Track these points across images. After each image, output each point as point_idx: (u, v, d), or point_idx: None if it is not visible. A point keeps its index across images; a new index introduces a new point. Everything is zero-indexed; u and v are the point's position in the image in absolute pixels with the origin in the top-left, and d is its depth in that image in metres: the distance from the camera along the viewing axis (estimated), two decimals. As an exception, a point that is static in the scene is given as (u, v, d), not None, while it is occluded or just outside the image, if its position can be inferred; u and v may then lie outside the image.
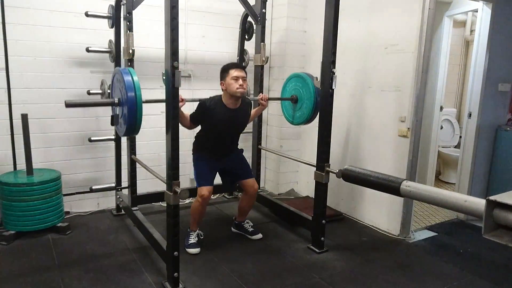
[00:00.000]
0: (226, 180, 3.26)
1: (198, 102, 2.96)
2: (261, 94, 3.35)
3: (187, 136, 3.68)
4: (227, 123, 2.97)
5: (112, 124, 2.67)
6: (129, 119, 2.33)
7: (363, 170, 2.40)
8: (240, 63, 3.05)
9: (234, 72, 2.87)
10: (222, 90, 2.95)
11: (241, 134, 3.23)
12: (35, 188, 3.04)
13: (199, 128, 3.07)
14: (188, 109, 3.03)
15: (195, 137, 3.13)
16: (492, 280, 2.72)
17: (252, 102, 3.32)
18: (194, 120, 2.96)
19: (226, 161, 3.12)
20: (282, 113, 3.58)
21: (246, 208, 3.28)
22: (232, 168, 3.16)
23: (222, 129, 2.98)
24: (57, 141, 3.47)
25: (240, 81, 2.86)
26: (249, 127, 3.92)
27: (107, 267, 2.72)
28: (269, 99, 3.31)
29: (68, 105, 2.34)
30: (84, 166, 3.63)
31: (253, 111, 3.30)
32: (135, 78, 2.33)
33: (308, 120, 3.29)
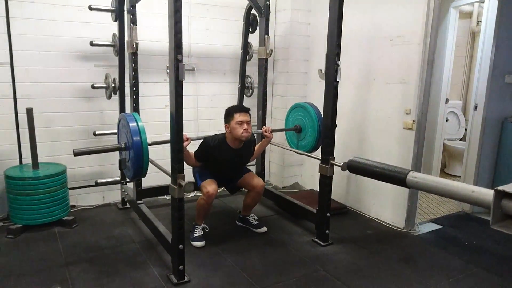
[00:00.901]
0: (228, 187, 3.32)
1: (202, 140, 3.01)
2: (264, 126, 3.41)
3: (191, 130, 3.69)
4: (230, 161, 3.05)
5: (120, 168, 2.72)
6: (136, 163, 2.40)
7: (368, 161, 2.40)
8: (244, 106, 3.10)
9: (238, 117, 2.92)
10: (226, 131, 3.01)
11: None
12: (41, 182, 3.06)
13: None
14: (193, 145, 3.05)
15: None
16: (498, 272, 2.71)
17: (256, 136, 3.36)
18: (198, 158, 3.03)
19: (229, 183, 3.24)
20: (286, 106, 3.58)
21: (251, 204, 3.29)
22: (233, 178, 3.23)
23: (224, 166, 3.06)
24: (62, 135, 3.49)
25: (245, 126, 2.92)
26: (254, 121, 3.91)
27: (113, 260, 2.74)
28: (273, 130, 3.32)
29: (77, 154, 2.41)
30: (89, 160, 3.64)
31: (258, 145, 3.35)
32: (140, 123, 2.41)
33: (313, 148, 3.31)
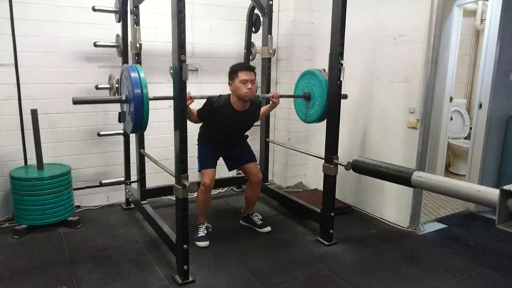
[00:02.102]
0: (231, 165, 3.29)
1: (206, 99, 2.93)
2: (272, 91, 3.30)
3: (195, 130, 3.68)
4: (233, 125, 2.97)
5: (119, 121, 2.68)
6: (136, 116, 2.34)
7: (373, 161, 2.39)
8: (249, 63, 2.97)
9: (243, 75, 2.80)
10: (231, 90, 2.92)
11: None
12: (45, 182, 3.07)
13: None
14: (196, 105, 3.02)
15: (200, 127, 3.14)
16: (503, 272, 2.70)
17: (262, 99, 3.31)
18: (201, 117, 2.95)
19: (231, 150, 3.16)
20: (289, 106, 3.56)
21: (252, 198, 3.29)
22: (236, 153, 3.19)
23: (228, 129, 2.99)
24: (66, 136, 3.50)
25: (249, 85, 2.80)
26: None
27: (117, 260, 2.75)
28: (281, 96, 3.25)
29: (76, 102, 2.36)
30: (94, 161, 3.66)
31: (263, 108, 3.28)
32: (142, 75, 2.32)
33: (321, 117, 3.22)
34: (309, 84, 3.32)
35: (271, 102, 3.23)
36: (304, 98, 3.36)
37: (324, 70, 2.99)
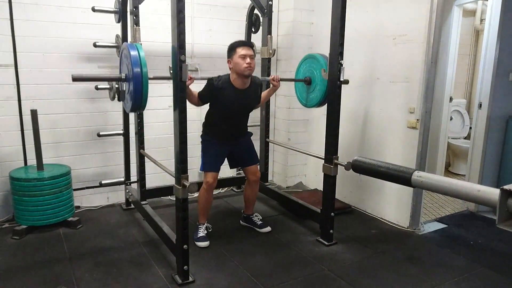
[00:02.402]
0: (233, 163, 3.27)
1: (207, 81, 2.91)
2: (273, 74, 3.28)
3: (195, 130, 3.68)
4: (236, 104, 2.92)
5: (119, 99, 2.66)
6: (135, 95, 2.32)
7: (373, 161, 2.38)
8: (248, 41, 2.94)
9: (241, 50, 2.79)
10: (230, 68, 2.90)
11: (249, 127, 3.22)
12: (45, 183, 3.07)
13: (207, 108, 3.05)
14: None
15: (205, 117, 3.10)
16: (503, 272, 2.70)
17: (263, 83, 3.27)
18: (201, 98, 2.92)
19: (234, 144, 3.10)
20: (289, 106, 3.56)
21: (251, 197, 3.29)
22: (240, 153, 3.16)
23: (230, 110, 2.94)
24: (66, 136, 3.50)
25: (248, 60, 2.79)
26: (257, 120, 3.92)
27: (117, 260, 2.75)
28: (282, 79, 3.23)
29: (75, 79, 2.35)
30: (94, 161, 3.65)
31: (264, 92, 3.26)
32: (142, 53, 2.31)
33: (321, 102, 3.20)
34: (310, 68, 3.29)
35: (271, 85, 3.21)
36: (304, 82, 3.34)
37: (324, 70, 2.99)
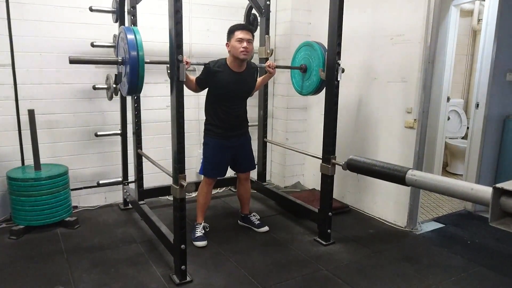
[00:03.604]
0: (232, 166, 3.25)
1: (203, 65, 2.91)
2: (269, 61, 3.28)
3: (193, 130, 3.69)
4: (233, 87, 2.92)
5: (115, 83, 2.67)
6: (131, 78, 2.34)
7: (368, 160, 2.39)
8: (248, 25, 2.95)
9: (239, 34, 2.82)
10: (228, 52, 2.91)
11: (248, 127, 3.22)
12: (43, 183, 3.07)
13: (205, 108, 3.06)
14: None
15: (205, 107, 3.06)
16: (500, 271, 2.71)
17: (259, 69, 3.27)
18: (199, 83, 2.92)
19: (236, 144, 3.07)
20: (287, 106, 3.56)
21: (244, 195, 3.30)
22: (240, 159, 3.16)
23: (227, 93, 2.94)
24: (63, 136, 3.50)
25: (245, 44, 2.81)
26: (255, 120, 3.92)
27: (115, 260, 2.75)
28: (277, 67, 3.25)
29: (72, 61, 2.36)
30: (91, 161, 3.65)
31: (260, 78, 3.26)
32: (138, 37, 2.32)
33: (317, 90, 3.20)
34: (305, 56, 3.29)
35: (267, 72, 3.20)
36: (300, 70, 3.33)
37: (322, 70, 3.00)
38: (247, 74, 2.99)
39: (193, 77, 2.90)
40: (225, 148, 3.03)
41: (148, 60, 2.41)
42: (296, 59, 3.42)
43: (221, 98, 2.95)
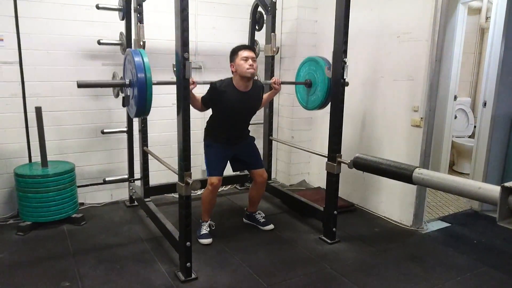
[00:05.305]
0: (236, 166, 3.26)
1: (209, 85, 2.93)
2: (274, 77, 3.30)
3: (198, 127, 3.69)
4: (239, 107, 2.95)
5: (123, 105, 2.68)
6: (139, 100, 2.33)
7: (374, 158, 2.38)
8: (250, 45, 3.00)
9: (244, 53, 2.84)
10: (232, 72, 2.93)
11: (252, 125, 3.22)
12: (50, 180, 3.09)
13: (210, 112, 3.06)
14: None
15: (207, 122, 3.11)
16: (507, 271, 2.69)
17: (264, 86, 3.28)
18: (205, 103, 2.94)
19: (237, 148, 3.11)
20: (293, 104, 3.56)
21: (256, 198, 3.29)
22: (243, 156, 3.17)
23: (233, 113, 2.96)
24: (70, 133, 3.52)
25: (250, 61, 2.83)
26: (260, 118, 3.92)
27: (121, 257, 2.76)
28: (282, 83, 3.27)
29: (80, 85, 2.36)
30: (97, 158, 3.67)
31: (265, 95, 3.27)
32: (146, 59, 2.32)
33: (322, 105, 3.21)
34: (310, 71, 3.30)
35: (272, 88, 3.23)
36: (305, 85, 3.34)
37: (328, 68, 2.99)
38: (252, 93, 3.01)
39: (199, 96, 2.90)
40: (226, 148, 3.06)
41: (155, 82, 2.42)
42: (301, 74, 3.43)
43: (226, 117, 2.99)
